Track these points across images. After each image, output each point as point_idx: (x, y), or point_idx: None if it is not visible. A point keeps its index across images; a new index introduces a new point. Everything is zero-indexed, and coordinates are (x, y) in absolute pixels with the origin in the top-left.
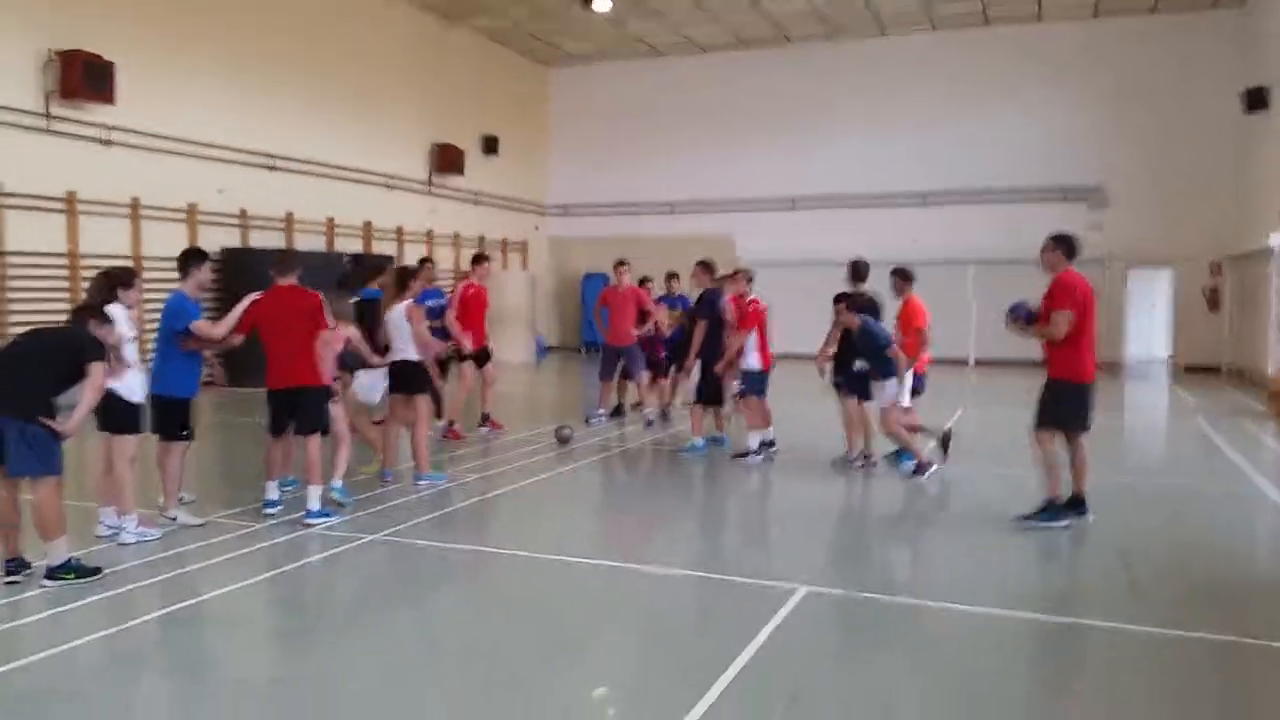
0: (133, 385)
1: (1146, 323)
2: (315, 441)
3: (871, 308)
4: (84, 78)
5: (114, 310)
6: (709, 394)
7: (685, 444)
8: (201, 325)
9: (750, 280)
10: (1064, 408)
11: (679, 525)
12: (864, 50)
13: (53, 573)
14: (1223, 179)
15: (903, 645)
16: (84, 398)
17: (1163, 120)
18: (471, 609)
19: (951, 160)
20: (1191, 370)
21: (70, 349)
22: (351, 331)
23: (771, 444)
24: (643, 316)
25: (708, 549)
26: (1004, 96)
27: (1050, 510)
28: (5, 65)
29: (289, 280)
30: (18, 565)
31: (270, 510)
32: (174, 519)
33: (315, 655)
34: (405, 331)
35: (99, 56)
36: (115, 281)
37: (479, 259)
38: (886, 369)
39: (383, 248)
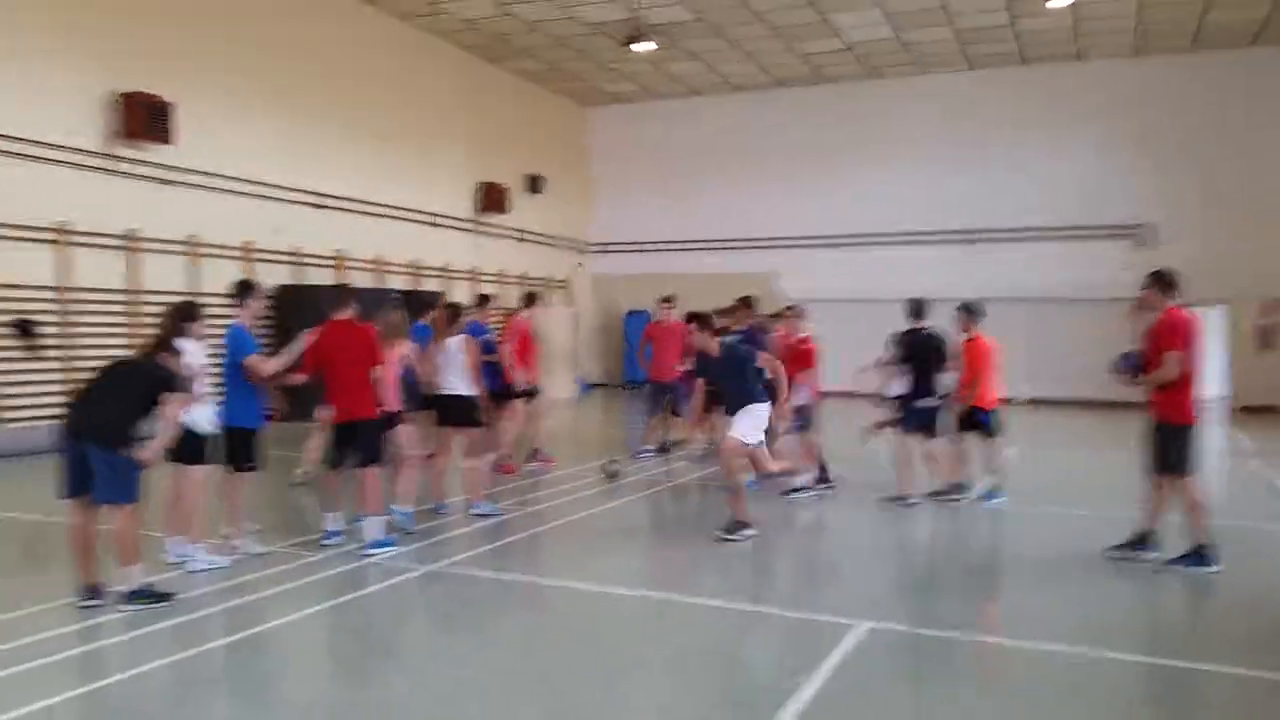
0: (201, 417)
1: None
2: (372, 474)
3: (933, 344)
4: (145, 119)
5: (183, 344)
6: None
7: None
8: (253, 361)
9: (803, 317)
10: (1178, 451)
11: (732, 559)
12: (904, 89)
13: (129, 597)
14: (1272, 215)
15: (970, 682)
16: (164, 428)
17: (1208, 157)
18: (528, 639)
19: (995, 198)
20: (1249, 410)
21: (150, 380)
22: (407, 347)
23: (826, 480)
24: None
25: (763, 583)
26: (1046, 134)
27: (1197, 555)
28: (71, 107)
29: (345, 315)
30: (94, 592)
31: (329, 541)
32: (237, 547)
33: (375, 683)
34: (459, 364)
35: (159, 98)
36: (183, 316)
37: (532, 297)
38: (747, 395)
39: (429, 285)
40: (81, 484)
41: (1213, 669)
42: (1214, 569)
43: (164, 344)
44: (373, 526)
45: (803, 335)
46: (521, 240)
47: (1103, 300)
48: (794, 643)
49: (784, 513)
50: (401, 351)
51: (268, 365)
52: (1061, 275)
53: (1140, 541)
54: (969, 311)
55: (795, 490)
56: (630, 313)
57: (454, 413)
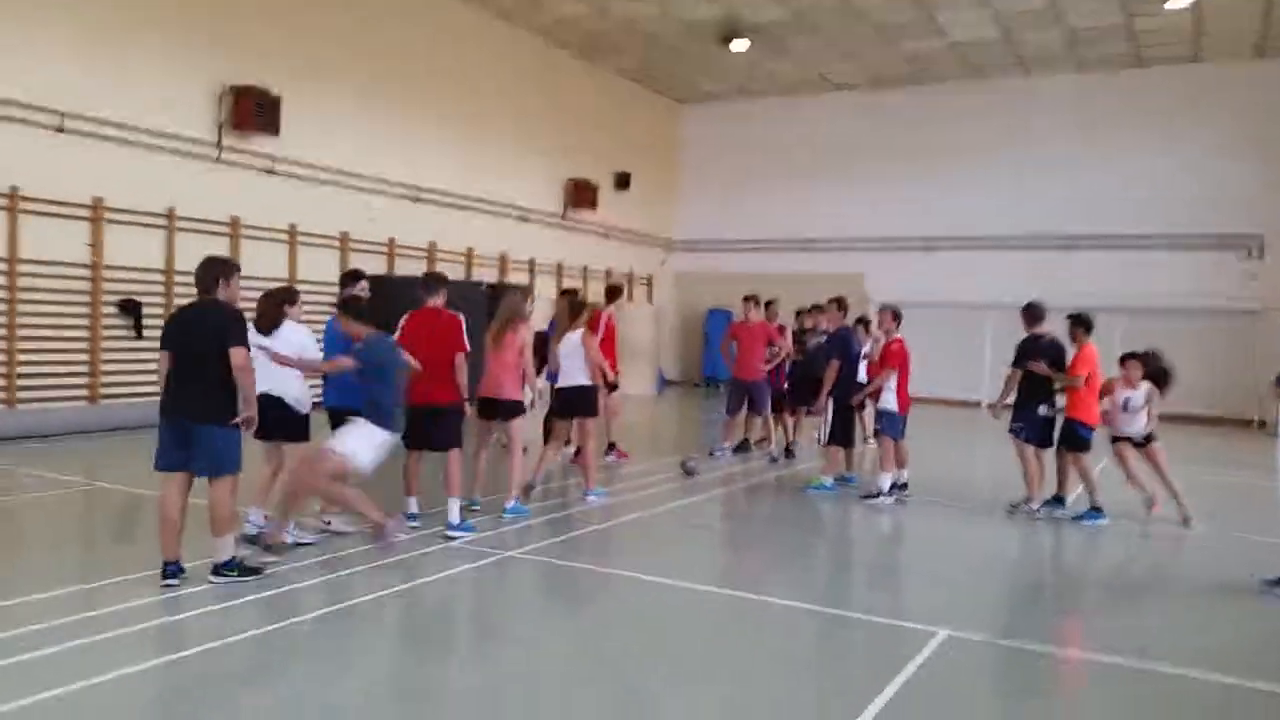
0: (301, 397)
1: None
2: (454, 456)
3: (1054, 352)
4: (254, 111)
5: (286, 328)
6: (842, 435)
7: (814, 482)
8: (340, 361)
9: (898, 319)
10: None
11: (808, 561)
12: (1005, 90)
13: (219, 569)
14: None
15: (1049, 696)
16: (241, 381)
17: None
18: (601, 628)
19: (1096, 204)
20: None
21: (217, 336)
22: (528, 334)
23: (904, 486)
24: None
25: (839, 586)
26: (1154, 139)
27: None
28: (184, 99)
29: (435, 301)
30: (177, 569)
31: (412, 524)
32: (329, 523)
33: (445, 664)
34: (580, 357)
35: (268, 91)
36: (283, 299)
37: (616, 290)
38: (372, 406)
39: (516, 277)
40: (180, 458)
41: None
42: None
43: (263, 328)
44: (454, 509)
45: (895, 338)
46: (607, 236)
47: (1206, 311)
48: (870, 648)
49: (862, 515)
50: (522, 338)
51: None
52: (1168, 285)
53: None
54: (1079, 321)
55: (873, 495)
56: (711, 310)
57: (574, 404)
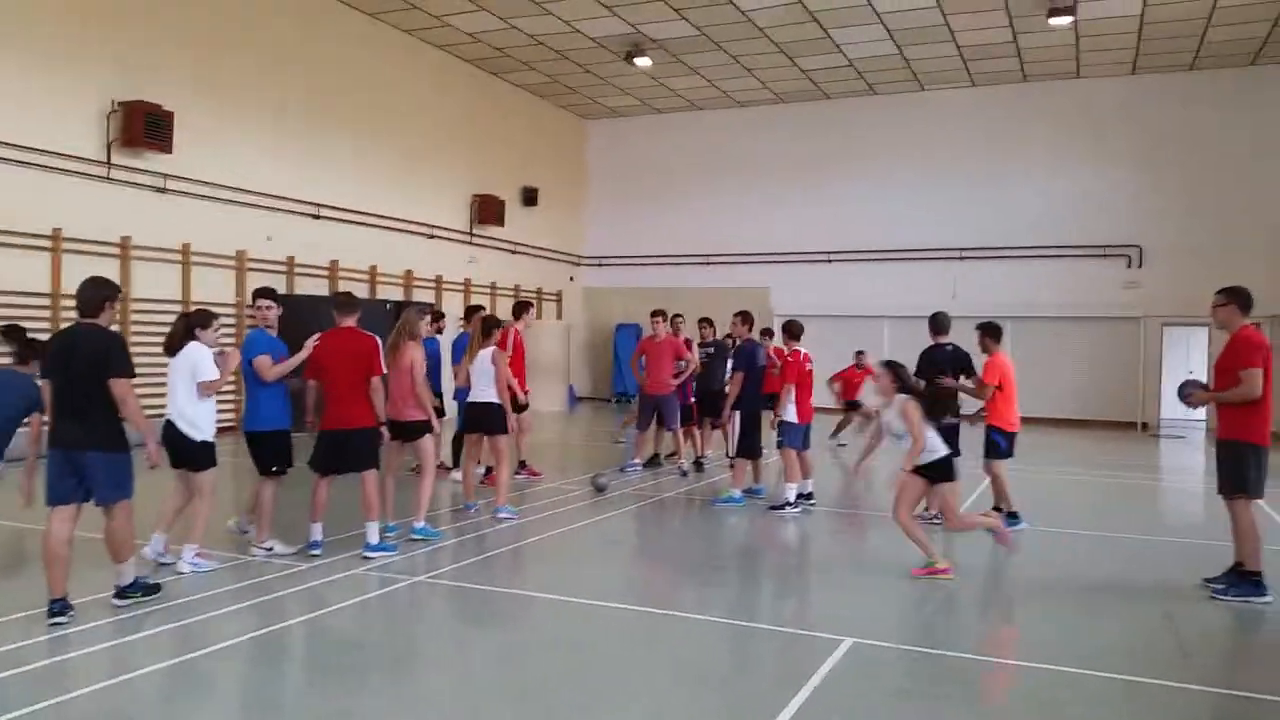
0: (196, 421)
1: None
2: (370, 478)
3: (959, 361)
4: (145, 127)
5: (197, 349)
6: (747, 447)
7: (722, 494)
8: (260, 362)
9: (797, 335)
10: (1251, 472)
11: (717, 574)
12: (902, 105)
13: (122, 592)
14: (1263, 236)
15: (956, 701)
16: (129, 417)
17: (1202, 176)
18: (515, 651)
19: (989, 215)
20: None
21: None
22: (418, 355)
23: (809, 496)
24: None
25: (747, 598)
26: (1042, 152)
27: (1250, 582)
28: (71, 115)
29: (349, 322)
30: (63, 605)
31: (314, 552)
32: (270, 548)
33: (360, 691)
34: (490, 375)
35: (159, 107)
36: (194, 323)
37: (523, 307)
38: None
39: (422, 296)
40: (70, 488)
41: (1195, 688)
42: (1266, 600)
43: (169, 349)
44: (371, 531)
45: (795, 350)
46: (515, 253)
47: (1092, 319)
48: (779, 658)
49: (769, 527)
50: (415, 356)
51: (273, 369)
52: (1056, 293)
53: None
54: (989, 330)
55: (779, 506)
56: (620, 326)
57: (485, 420)
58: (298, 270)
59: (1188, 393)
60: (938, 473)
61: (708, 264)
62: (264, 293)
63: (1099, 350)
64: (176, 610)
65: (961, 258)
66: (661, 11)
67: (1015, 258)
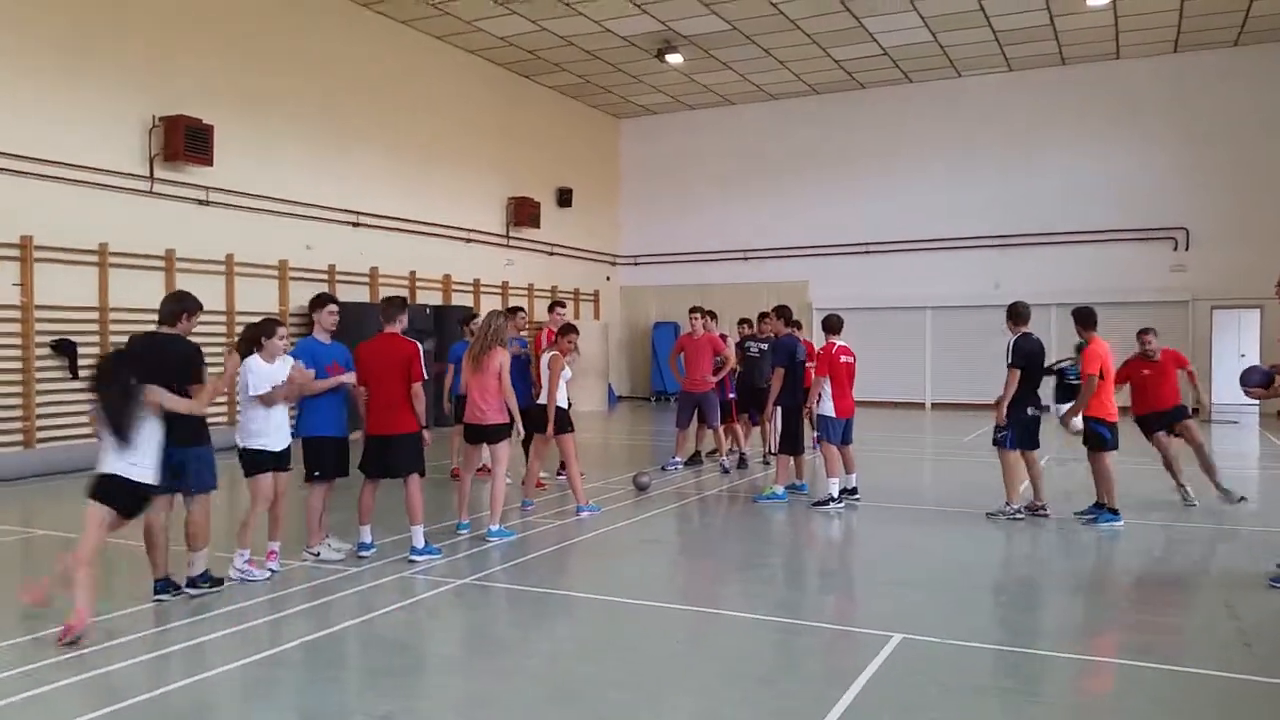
0: (247, 429)
1: (1234, 366)
2: (414, 482)
3: (1040, 350)
4: (185, 141)
5: (250, 361)
6: (790, 443)
7: (765, 491)
8: (296, 374)
9: (835, 329)
10: None
11: (762, 571)
12: (939, 93)
13: (197, 581)
14: None
15: (1009, 696)
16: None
17: (1247, 156)
18: (563, 652)
19: (1031, 202)
20: None
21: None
22: (506, 360)
23: (853, 491)
24: (719, 363)
25: (793, 595)
26: (1084, 136)
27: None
28: (114, 131)
29: (392, 328)
30: (169, 583)
31: (364, 554)
32: (317, 554)
33: (409, 695)
34: (547, 377)
35: (199, 120)
36: (260, 333)
37: (554, 306)
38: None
39: (461, 299)
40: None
41: (1244, 678)
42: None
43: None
44: (417, 535)
45: (833, 343)
46: (551, 254)
47: (1138, 304)
48: (830, 655)
49: (813, 523)
50: (504, 361)
51: (316, 383)
52: (1102, 278)
53: None
54: (1083, 317)
55: (823, 502)
56: (657, 324)
57: (537, 422)
58: (339, 279)
59: (1252, 385)
60: None
61: (745, 259)
62: (326, 299)
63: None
64: (230, 615)
65: (1003, 245)
66: (692, 7)
67: (1058, 244)
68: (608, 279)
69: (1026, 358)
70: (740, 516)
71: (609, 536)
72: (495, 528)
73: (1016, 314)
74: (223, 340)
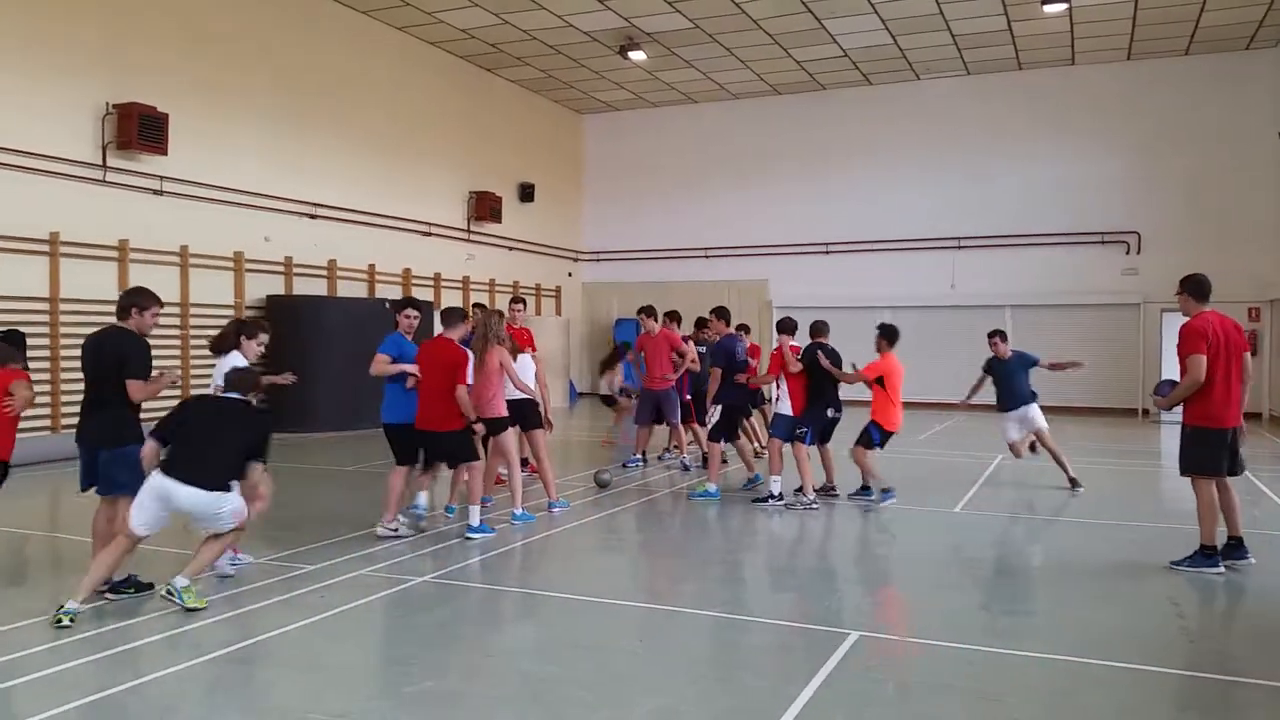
0: None
1: None
2: (475, 469)
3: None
4: (140, 129)
5: (234, 357)
6: (723, 432)
7: (698, 489)
8: (379, 359)
9: (788, 330)
10: (1206, 453)
11: (722, 569)
12: (898, 95)
13: (116, 587)
14: (1261, 221)
15: (963, 693)
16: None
17: (1200, 162)
18: (525, 651)
19: (987, 204)
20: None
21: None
22: (505, 357)
23: (831, 489)
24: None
25: (752, 593)
26: (1039, 140)
27: (1202, 555)
28: (65, 118)
29: (450, 334)
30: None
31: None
32: (395, 530)
33: (371, 694)
34: (530, 371)
35: (154, 109)
36: (242, 330)
37: (514, 302)
38: None
39: (421, 294)
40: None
41: (1192, 674)
42: (1218, 570)
43: (217, 349)
44: (474, 514)
45: (777, 345)
46: (513, 249)
47: (1091, 306)
48: (788, 652)
49: (771, 522)
50: (503, 358)
51: (390, 366)
52: (1055, 281)
53: (1237, 546)
54: (888, 331)
55: (764, 499)
56: (619, 321)
57: (530, 418)
58: (296, 271)
59: (1164, 395)
60: None
61: (706, 257)
62: (409, 303)
63: (1099, 337)
64: (163, 622)
65: (959, 247)
66: (655, 4)
67: (1013, 246)
68: (569, 275)
69: (808, 367)
70: (700, 514)
71: (569, 534)
72: (519, 511)
73: (815, 329)
74: (177, 333)
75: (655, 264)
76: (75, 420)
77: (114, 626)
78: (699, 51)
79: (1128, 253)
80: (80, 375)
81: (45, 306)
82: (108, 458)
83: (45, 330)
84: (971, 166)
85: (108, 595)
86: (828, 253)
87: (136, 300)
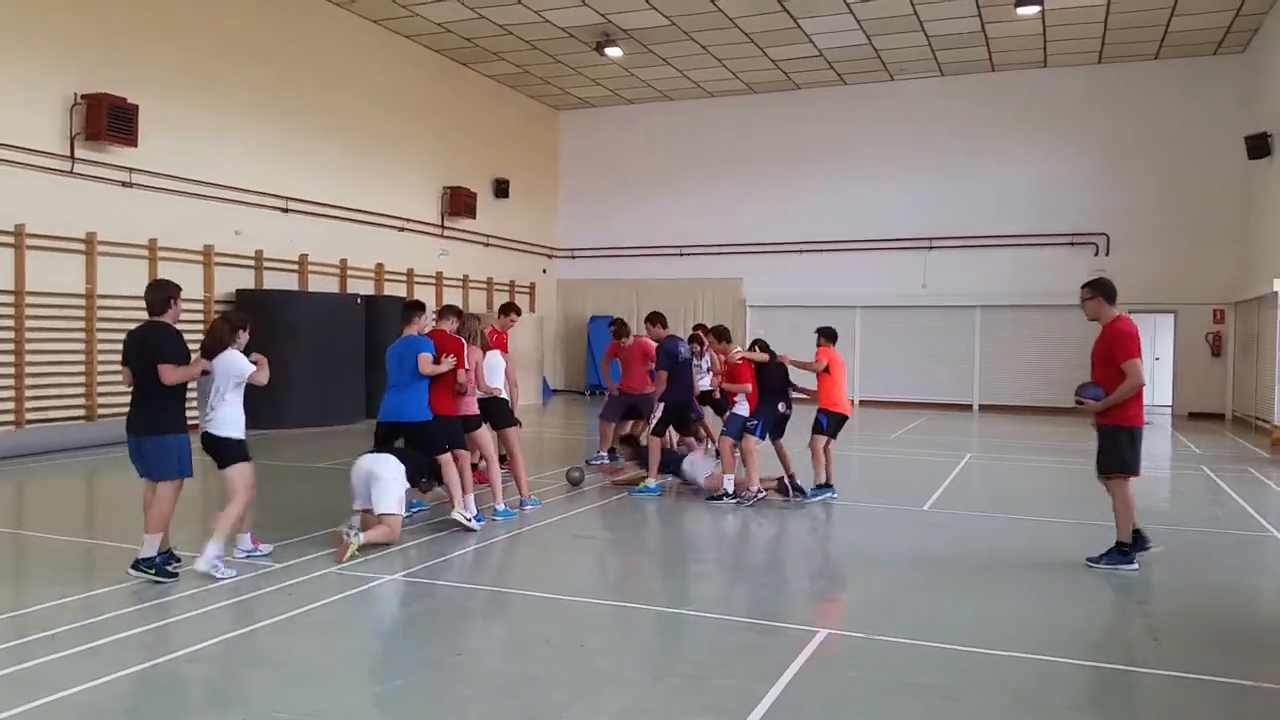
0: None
1: (1149, 369)
2: (446, 460)
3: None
4: (109, 120)
5: (231, 354)
6: (660, 428)
7: (638, 485)
8: (423, 359)
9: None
10: (1132, 452)
11: (692, 567)
12: (872, 95)
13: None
14: (1227, 224)
15: (930, 691)
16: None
17: (1167, 165)
18: (495, 649)
19: (959, 204)
20: (1195, 416)
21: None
22: (478, 358)
23: (799, 489)
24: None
25: (720, 591)
26: (1011, 141)
27: (1119, 552)
28: (32, 108)
29: (443, 325)
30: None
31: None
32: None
33: (343, 692)
34: (499, 370)
35: (124, 100)
36: (235, 325)
37: (509, 309)
38: None
39: (394, 289)
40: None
41: (1152, 672)
42: (1133, 567)
43: (208, 350)
44: (469, 503)
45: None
46: (487, 245)
47: (1059, 307)
48: (757, 650)
49: (736, 521)
50: (476, 358)
51: (433, 366)
52: (1024, 281)
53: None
54: (827, 332)
55: (725, 496)
56: (593, 318)
57: (496, 415)
58: (267, 265)
59: (1086, 397)
60: None
61: (680, 255)
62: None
63: (1066, 338)
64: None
65: (931, 247)
66: (631, 1)
67: (985, 246)
68: (544, 272)
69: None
70: (670, 512)
71: (541, 532)
72: (500, 507)
73: (719, 333)
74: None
75: (630, 261)
76: (44, 412)
77: (76, 625)
78: (675, 49)
79: (1096, 254)
80: (45, 368)
81: (10, 300)
82: (149, 445)
83: (10, 324)
84: (944, 167)
85: (129, 571)
86: (801, 252)
87: (174, 292)
